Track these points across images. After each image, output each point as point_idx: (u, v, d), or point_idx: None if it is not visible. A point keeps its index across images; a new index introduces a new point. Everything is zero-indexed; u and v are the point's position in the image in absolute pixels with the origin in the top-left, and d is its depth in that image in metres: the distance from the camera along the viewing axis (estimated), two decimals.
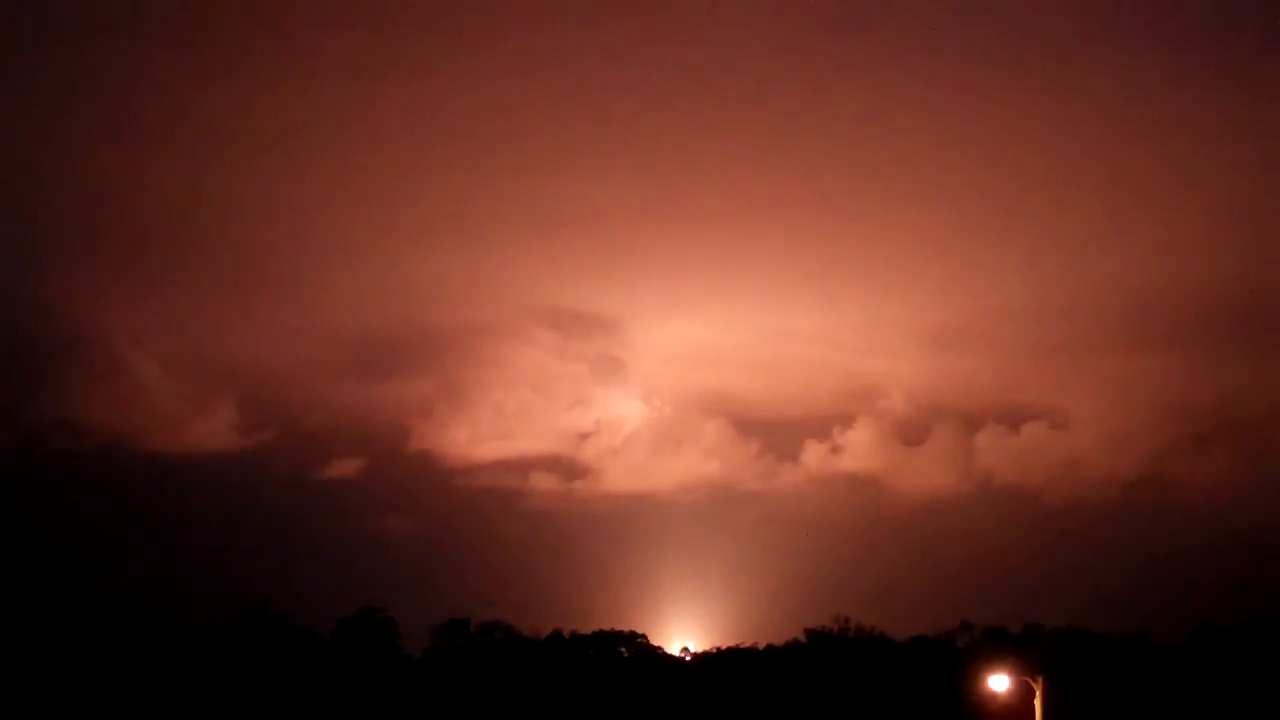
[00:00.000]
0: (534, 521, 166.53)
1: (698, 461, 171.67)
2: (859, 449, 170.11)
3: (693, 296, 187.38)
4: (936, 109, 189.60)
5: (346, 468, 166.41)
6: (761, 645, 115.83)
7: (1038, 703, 55.29)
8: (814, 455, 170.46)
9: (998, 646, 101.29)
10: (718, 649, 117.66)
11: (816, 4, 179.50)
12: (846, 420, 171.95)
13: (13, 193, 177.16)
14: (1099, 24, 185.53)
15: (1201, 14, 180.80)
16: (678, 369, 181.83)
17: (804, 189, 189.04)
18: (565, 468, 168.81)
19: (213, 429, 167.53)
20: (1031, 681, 55.89)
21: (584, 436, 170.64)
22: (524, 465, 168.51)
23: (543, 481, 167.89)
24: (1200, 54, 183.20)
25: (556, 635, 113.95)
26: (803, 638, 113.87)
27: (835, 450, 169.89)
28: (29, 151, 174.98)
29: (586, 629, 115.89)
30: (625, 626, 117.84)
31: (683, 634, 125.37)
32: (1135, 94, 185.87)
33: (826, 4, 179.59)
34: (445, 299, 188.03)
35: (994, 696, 60.28)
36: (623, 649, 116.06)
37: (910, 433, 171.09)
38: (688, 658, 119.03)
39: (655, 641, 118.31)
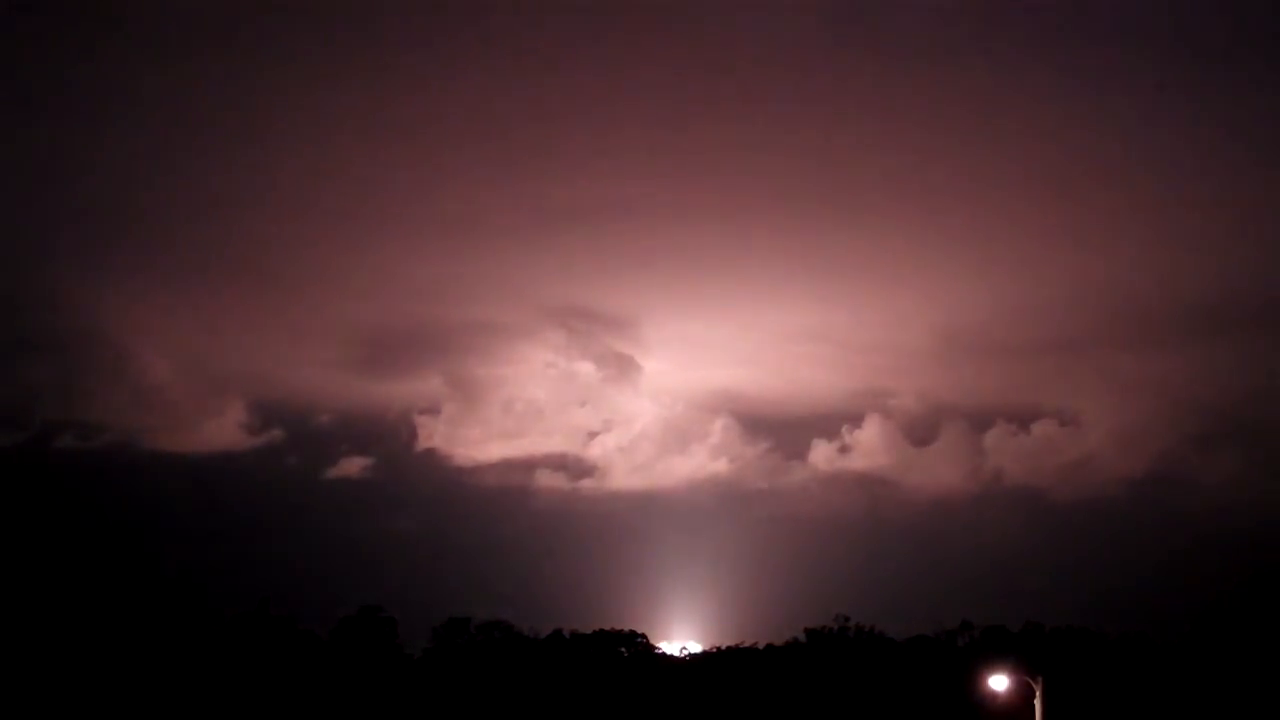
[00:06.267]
0: (539, 520, 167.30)
1: (705, 460, 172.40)
2: (868, 448, 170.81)
3: (702, 295, 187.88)
4: (947, 108, 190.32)
5: (354, 466, 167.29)
6: (761, 645, 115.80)
7: (1038, 702, 55.27)
8: (822, 454, 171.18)
9: (998, 646, 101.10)
10: (718, 649, 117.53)
11: (828, 3, 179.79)
12: (855, 419, 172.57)
13: (21, 193, 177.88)
14: (1103, 24, 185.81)
15: (1205, 14, 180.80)
16: (687, 367, 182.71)
17: (814, 188, 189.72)
18: (573, 466, 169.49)
19: (222, 428, 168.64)
20: (1031, 681, 55.87)
21: (592, 435, 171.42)
22: (531, 464, 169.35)
23: (549, 480, 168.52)
24: (1205, 51, 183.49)
25: (557, 635, 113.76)
26: (803, 638, 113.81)
27: (844, 449, 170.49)
28: (38, 152, 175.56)
29: (586, 629, 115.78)
30: (625, 626, 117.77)
31: (683, 634, 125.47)
32: (1148, 92, 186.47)
33: (838, 3, 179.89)
34: (454, 297, 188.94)
35: (994, 696, 60.34)
36: (623, 649, 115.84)
37: (919, 431, 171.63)
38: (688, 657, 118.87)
39: (655, 641, 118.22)
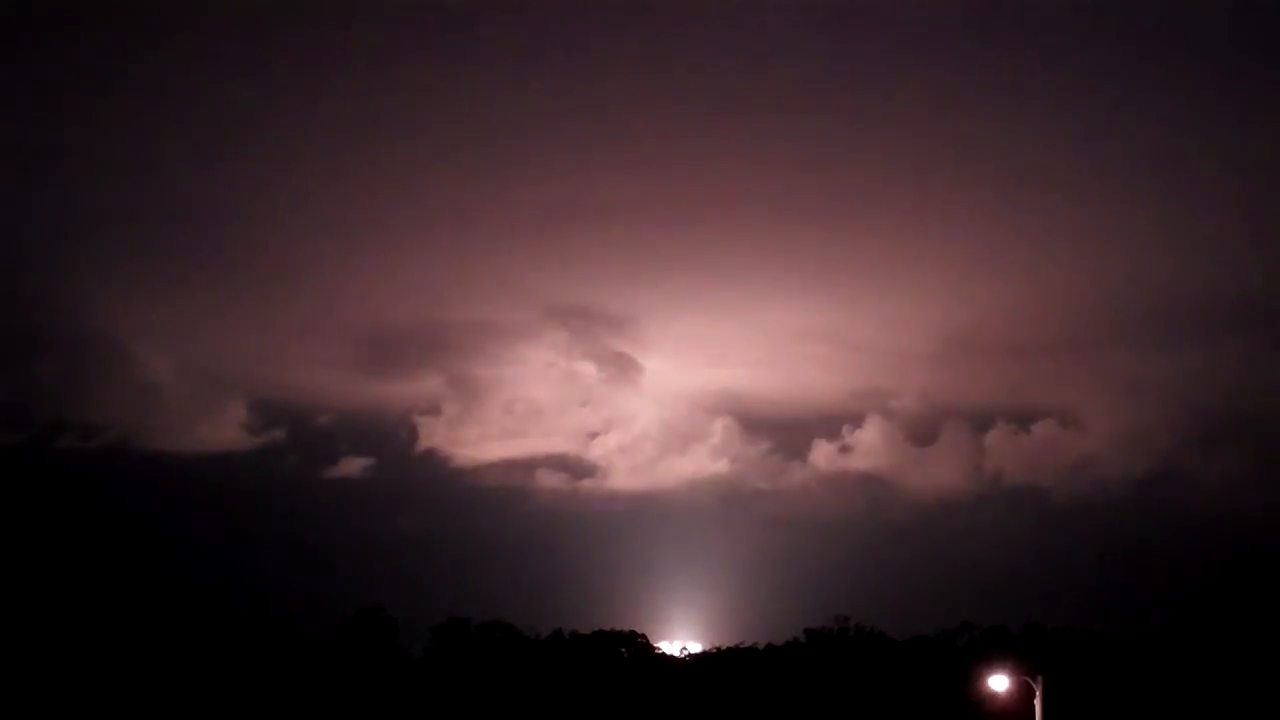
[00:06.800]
0: (540, 521, 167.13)
1: (706, 460, 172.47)
2: (868, 448, 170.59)
3: (703, 295, 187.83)
4: (947, 109, 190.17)
5: (354, 466, 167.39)
6: (761, 645, 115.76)
7: (1038, 702, 55.25)
8: (823, 454, 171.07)
9: (998, 646, 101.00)
10: (718, 649, 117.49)
11: (827, 3, 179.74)
12: (856, 419, 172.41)
13: (22, 192, 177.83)
14: (1104, 23, 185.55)
15: (1205, 12, 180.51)
16: (687, 367, 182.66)
17: (814, 188, 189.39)
18: (573, 466, 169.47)
19: (222, 428, 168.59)
20: (1031, 681, 55.86)
21: (593, 435, 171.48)
22: (532, 464, 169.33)
23: (549, 480, 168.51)
24: (1207, 51, 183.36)
25: (557, 635, 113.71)
26: (802, 638, 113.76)
27: (844, 450, 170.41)
28: (38, 153, 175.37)
29: (586, 629, 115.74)
30: (625, 626, 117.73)
31: (683, 634, 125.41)
32: (1148, 91, 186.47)
33: (838, 3, 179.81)
34: (454, 297, 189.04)
35: (994, 696, 60.38)
36: (623, 649, 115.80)
37: (920, 432, 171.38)
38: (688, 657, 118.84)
39: (655, 641, 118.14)
